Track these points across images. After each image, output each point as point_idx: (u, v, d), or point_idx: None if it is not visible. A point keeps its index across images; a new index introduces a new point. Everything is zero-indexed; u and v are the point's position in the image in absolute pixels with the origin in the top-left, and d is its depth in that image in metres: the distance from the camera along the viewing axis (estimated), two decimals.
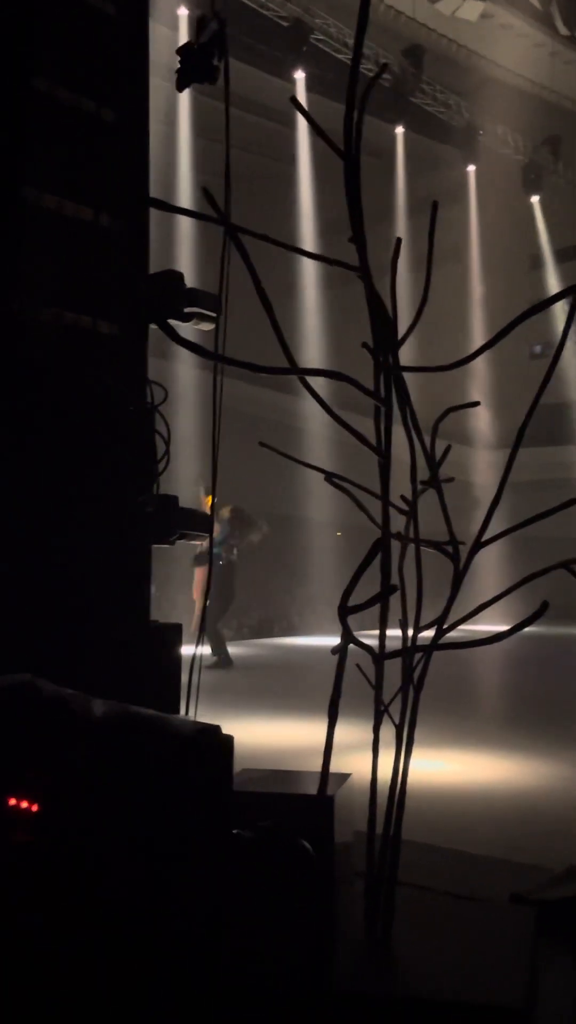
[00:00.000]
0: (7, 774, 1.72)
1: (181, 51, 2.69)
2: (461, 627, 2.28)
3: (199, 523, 2.94)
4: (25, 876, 1.69)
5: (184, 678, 2.78)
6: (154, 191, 2.85)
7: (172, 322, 2.85)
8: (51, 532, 2.48)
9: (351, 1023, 1.97)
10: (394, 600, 2.25)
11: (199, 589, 10.71)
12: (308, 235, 17.42)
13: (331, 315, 17.68)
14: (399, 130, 18.43)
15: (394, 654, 2.28)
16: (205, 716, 2.27)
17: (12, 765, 1.74)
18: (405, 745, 2.29)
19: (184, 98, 15.14)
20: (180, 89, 2.72)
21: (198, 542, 3.17)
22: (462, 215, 20.24)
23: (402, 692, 2.30)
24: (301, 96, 15.23)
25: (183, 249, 14.51)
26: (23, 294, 2.49)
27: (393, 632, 2.32)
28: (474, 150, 19.30)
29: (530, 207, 21.20)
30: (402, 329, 2.32)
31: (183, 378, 11.01)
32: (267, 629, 16.91)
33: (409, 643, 2.31)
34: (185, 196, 14.78)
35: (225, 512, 10.41)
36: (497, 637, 2.22)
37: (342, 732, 2.28)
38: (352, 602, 2.13)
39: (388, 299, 2.30)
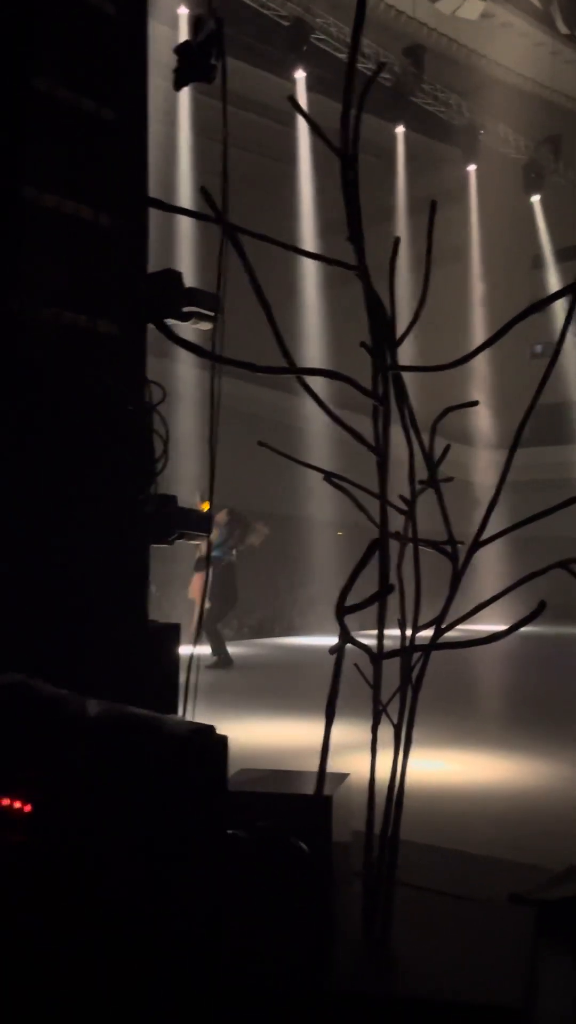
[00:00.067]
0: (0, 774, 1.72)
1: (179, 50, 2.69)
2: (460, 627, 2.29)
3: (198, 523, 2.94)
4: (19, 876, 1.69)
5: (183, 678, 2.78)
6: (154, 190, 2.85)
7: (171, 322, 2.85)
8: (50, 532, 2.48)
9: (350, 1023, 1.98)
10: (393, 600, 2.25)
11: (197, 591, 10.77)
12: (308, 235, 17.41)
13: (331, 315, 17.66)
14: (399, 129, 18.40)
15: (392, 654, 2.28)
16: (204, 716, 2.27)
17: (5, 765, 1.73)
18: (403, 745, 2.29)
19: (184, 98, 15.13)
20: (178, 88, 2.72)
21: (198, 543, 3.17)
22: (462, 215, 20.22)
23: (400, 692, 2.30)
24: (301, 96, 15.22)
25: (183, 248, 14.50)
26: (23, 294, 2.49)
27: (392, 632, 2.32)
28: (474, 149, 19.28)
29: (531, 206, 21.18)
30: (402, 329, 2.32)
31: (184, 377, 10.99)
32: (267, 629, 16.91)
33: (407, 643, 2.31)
34: (185, 196, 14.77)
35: (222, 516, 10.50)
36: (495, 637, 2.22)
37: (341, 732, 2.28)
38: (350, 602, 2.13)
39: (387, 299, 2.30)
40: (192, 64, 2.65)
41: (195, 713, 2.78)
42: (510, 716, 7.65)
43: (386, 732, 2.28)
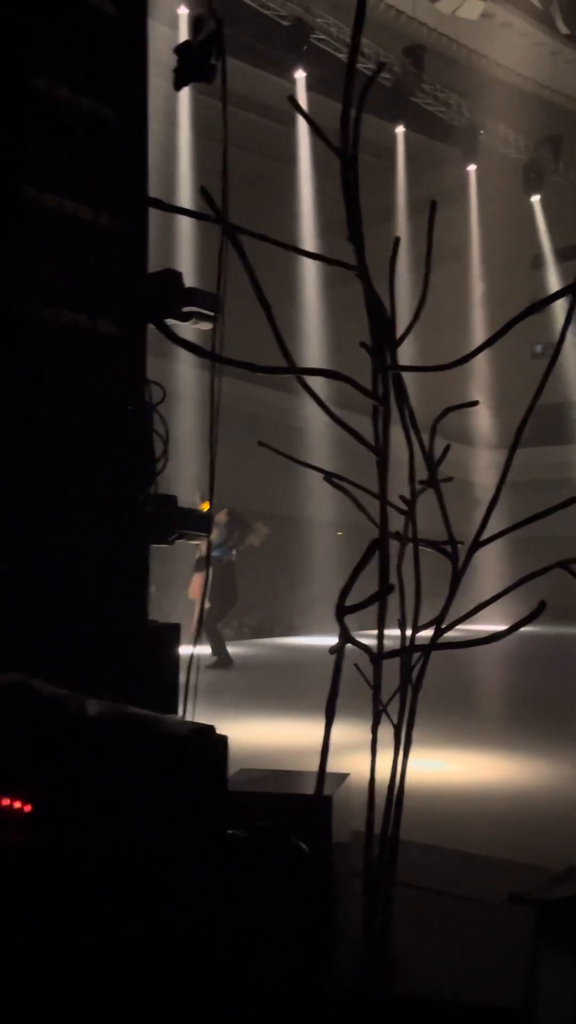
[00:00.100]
0: (0, 774, 1.72)
1: (179, 50, 2.69)
2: (461, 627, 2.28)
3: (198, 523, 2.94)
4: (18, 876, 1.69)
5: (183, 678, 2.78)
6: (154, 190, 2.85)
7: (172, 321, 2.85)
8: (50, 532, 2.48)
9: (349, 1023, 1.97)
10: (393, 600, 2.25)
11: (197, 592, 10.81)
12: (308, 235, 17.41)
13: (332, 315, 17.67)
14: (399, 129, 18.41)
15: (392, 654, 2.28)
16: (205, 716, 2.27)
17: (5, 765, 1.73)
18: (403, 745, 2.29)
19: (184, 97, 15.13)
20: (177, 88, 2.72)
21: (198, 543, 3.17)
22: (463, 215, 20.23)
23: (400, 692, 2.30)
24: (302, 95, 15.23)
25: (183, 248, 14.50)
26: (23, 293, 2.49)
27: (393, 632, 2.32)
28: (475, 149, 19.29)
29: (531, 206, 21.19)
30: (402, 329, 2.32)
31: (184, 377, 10.99)
32: (268, 629, 16.91)
33: (407, 643, 2.31)
34: (185, 195, 14.77)
35: (222, 516, 10.53)
36: (494, 637, 2.22)
37: (341, 732, 2.28)
38: (351, 602, 2.13)
39: (387, 299, 2.30)
40: (192, 64, 2.65)
41: (195, 713, 2.78)
42: (510, 716, 7.65)
43: (386, 732, 2.28)
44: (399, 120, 18.00)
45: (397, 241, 2.42)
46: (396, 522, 2.34)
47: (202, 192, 2.26)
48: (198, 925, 1.76)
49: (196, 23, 2.69)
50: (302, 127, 16.50)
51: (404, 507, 2.34)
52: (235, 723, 6.51)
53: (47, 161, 2.57)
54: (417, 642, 2.31)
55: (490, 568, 7.32)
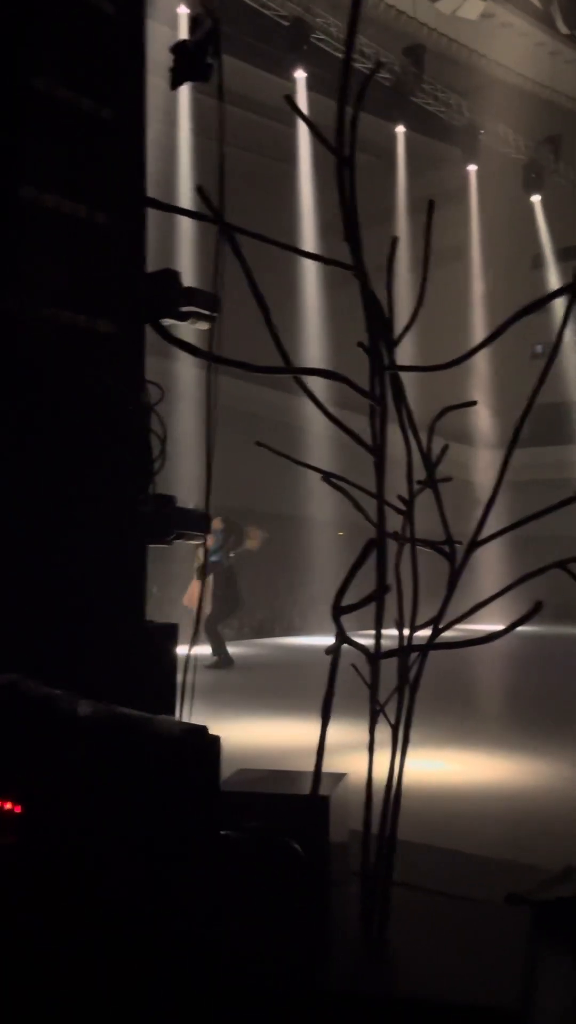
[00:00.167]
0: None
1: (175, 49, 2.69)
2: (459, 627, 2.28)
3: (196, 523, 2.94)
4: (9, 877, 1.69)
5: (181, 678, 2.78)
6: (153, 190, 2.85)
7: (171, 321, 2.85)
8: (49, 532, 2.47)
9: (347, 1023, 1.97)
10: (391, 600, 2.25)
11: (193, 599, 10.90)
12: (308, 235, 17.40)
13: (332, 315, 17.66)
14: (399, 129, 18.40)
15: (389, 654, 2.28)
16: (204, 716, 2.26)
17: None
18: (401, 745, 2.29)
19: (184, 97, 15.12)
20: (174, 87, 2.72)
21: (198, 548, 3.17)
22: (463, 214, 20.21)
23: (398, 692, 2.30)
24: (302, 95, 15.22)
25: (183, 248, 14.50)
26: (22, 293, 2.49)
27: (391, 632, 2.32)
28: (475, 149, 19.27)
29: (531, 206, 21.18)
30: (400, 329, 2.31)
31: (183, 377, 10.98)
32: (267, 629, 16.90)
33: (405, 643, 2.31)
34: (185, 195, 14.75)
35: (217, 523, 10.61)
36: (491, 637, 2.22)
37: (339, 732, 2.28)
38: (349, 602, 2.13)
39: (386, 299, 2.29)
40: (189, 63, 2.65)
41: (194, 713, 2.78)
42: (510, 716, 7.65)
43: (385, 732, 2.28)
44: (399, 120, 17.98)
45: (395, 241, 2.41)
46: (397, 522, 2.34)
47: (199, 192, 2.26)
48: (194, 925, 1.76)
49: (193, 22, 2.69)
50: (303, 127, 16.48)
51: (403, 507, 2.34)
52: (235, 723, 6.51)
53: (46, 161, 2.56)
54: (415, 642, 2.31)
55: (490, 568, 7.33)
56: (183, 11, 13.64)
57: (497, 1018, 1.93)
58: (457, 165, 19.84)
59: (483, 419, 19.41)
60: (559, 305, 2.22)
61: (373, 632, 2.30)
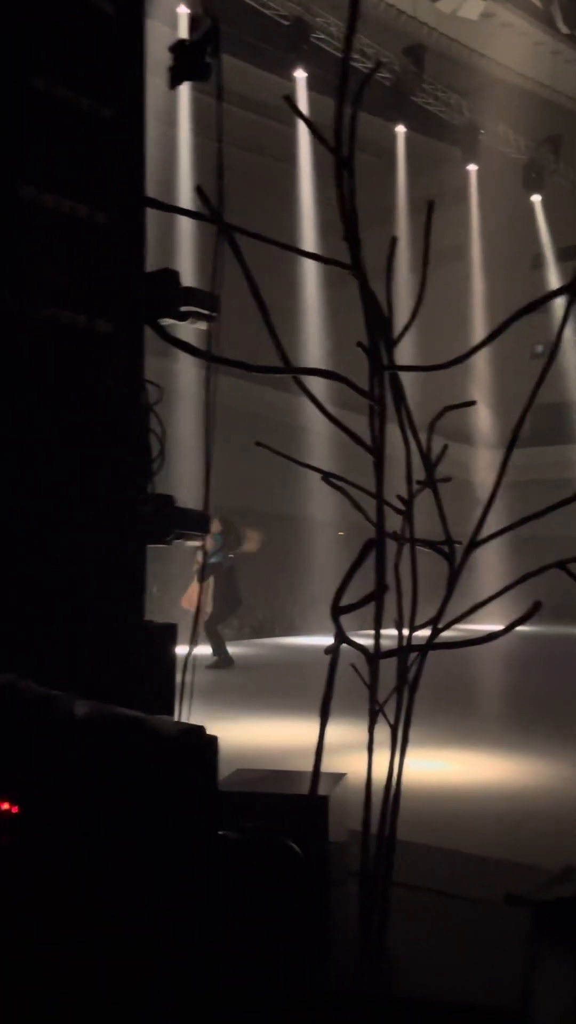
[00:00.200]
0: None
1: (174, 48, 2.69)
2: (459, 627, 2.28)
3: (196, 523, 2.94)
4: (7, 878, 1.69)
5: (180, 678, 2.78)
6: (153, 190, 2.85)
7: (170, 321, 2.84)
8: (49, 532, 2.47)
9: (346, 1023, 1.97)
10: (390, 600, 2.25)
11: (192, 600, 10.92)
12: (308, 234, 17.40)
13: (332, 314, 17.66)
14: (400, 129, 18.40)
15: (388, 654, 2.28)
16: (204, 716, 2.26)
17: None
18: (400, 744, 2.29)
19: (184, 97, 15.12)
20: (173, 86, 2.72)
21: (198, 550, 3.18)
22: (463, 214, 20.22)
23: (397, 692, 2.30)
24: (302, 95, 15.22)
25: (182, 248, 14.50)
26: (22, 293, 2.49)
27: (390, 632, 2.31)
28: (475, 149, 19.27)
29: (531, 206, 21.18)
30: (400, 328, 2.31)
31: (183, 377, 10.98)
32: (268, 629, 16.90)
33: (404, 643, 2.30)
34: (184, 195, 14.73)
35: (215, 525, 10.62)
36: (490, 637, 2.22)
37: (339, 732, 2.28)
38: (348, 602, 2.13)
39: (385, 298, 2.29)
40: (188, 62, 2.65)
41: (194, 713, 2.78)
42: (510, 716, 7.65)
43: (384, 732, 2.27)
44: (399, 120, 17.98)
45: (395, 241, 2.41)
46: (397, 522, 2.34)
47: (198, 191, 2.26)
48: (193, 925, 1.76)
49: (192, 21, 2.69)
50: (302, 127, 16.48)
51: (402, 507, 2.34)
52: (235, 723, 6.52)
53: (46, 161, 2.56)
54: (414, 642, 2.31)
55: (489, 568, 7.33)
56: (183, 11, 13.63)
57: (497, 1018, 1.93)
58: (457, 165, 19.84)
59: (483, 419, 19.41)
60: (559, 305, 2.22)
61: (372, 632, 2.30)
